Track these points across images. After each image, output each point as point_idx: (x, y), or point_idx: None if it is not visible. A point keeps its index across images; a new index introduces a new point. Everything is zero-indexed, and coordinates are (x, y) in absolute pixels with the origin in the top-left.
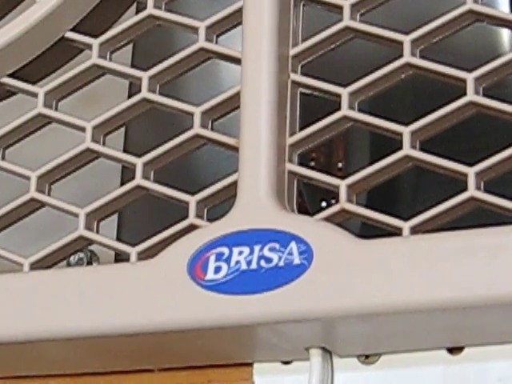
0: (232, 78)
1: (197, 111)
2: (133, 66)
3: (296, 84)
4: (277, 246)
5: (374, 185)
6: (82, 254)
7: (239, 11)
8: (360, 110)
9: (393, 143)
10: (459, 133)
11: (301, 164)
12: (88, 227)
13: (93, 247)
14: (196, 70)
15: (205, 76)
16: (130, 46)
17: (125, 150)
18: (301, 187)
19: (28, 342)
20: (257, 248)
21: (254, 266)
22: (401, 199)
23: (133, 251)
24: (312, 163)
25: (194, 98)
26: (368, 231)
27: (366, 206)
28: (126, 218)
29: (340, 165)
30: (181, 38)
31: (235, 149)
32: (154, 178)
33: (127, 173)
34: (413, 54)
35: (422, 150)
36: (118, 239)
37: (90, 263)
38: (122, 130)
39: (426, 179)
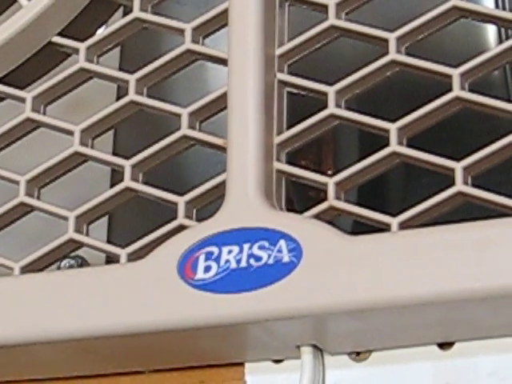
0: (220, 79)
1: (184, 112)
2: (121, 69)
3: (282, 83)
4: (266, 244)
5: (362, 182)
6: (72, 261)
7: (225, 12)
8: (349, 109)
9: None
10: (446, 135)
11: (289, 163)
12: (78, 230)
13: (84, 254)
14: (184, 73)
15: (194, 79)
16: (118, 50)
17: (114, 154)
18: (292, 196)
19: (19, 346)
20: (246, 246)
21: (243, 264)
22: (392, 200)
23: (122, 253)
24: None
25: (183, 102)
26: (360, 229)
27: (357, 205)
28: (117, 221)
29: (330, 172)
30: (171, 40)
31: (223, 149)
32: (143, 180)
33: (117, 176)
34: (398, 52)
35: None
36: (109, 242)
37: None
38: (112, 133)
39: (418, 181)
